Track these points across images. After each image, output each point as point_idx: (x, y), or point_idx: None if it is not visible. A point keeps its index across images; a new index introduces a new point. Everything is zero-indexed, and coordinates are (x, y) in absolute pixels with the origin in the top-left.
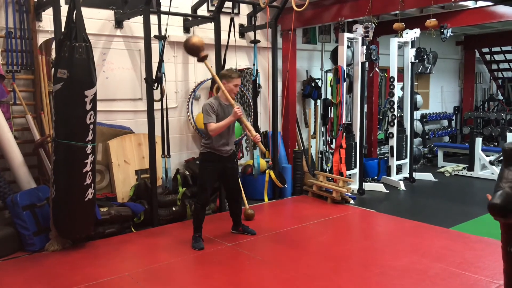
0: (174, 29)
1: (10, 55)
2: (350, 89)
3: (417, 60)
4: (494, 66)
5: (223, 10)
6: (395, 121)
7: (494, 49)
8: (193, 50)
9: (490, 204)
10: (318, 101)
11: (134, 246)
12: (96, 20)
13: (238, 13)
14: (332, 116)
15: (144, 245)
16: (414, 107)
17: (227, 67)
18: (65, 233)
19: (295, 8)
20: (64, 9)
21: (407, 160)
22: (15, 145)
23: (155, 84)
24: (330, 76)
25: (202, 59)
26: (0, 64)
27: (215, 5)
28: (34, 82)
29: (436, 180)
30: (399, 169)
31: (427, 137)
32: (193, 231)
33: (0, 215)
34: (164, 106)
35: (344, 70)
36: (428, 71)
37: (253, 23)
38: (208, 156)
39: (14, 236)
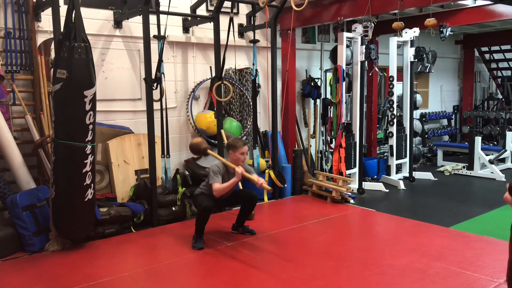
0: (173, 29)
1: (10, 55)
2: (349, 89)
3: (416, 59)
4: (493, 65)
5: (222, 10)
6: (395, 120)
7: (493, 48)
8: (195, 149)
9: (510, 185)
10: (318, 100)
11: (134, 246)
12: (95, 20)
13: (237, 13)
14: (331, 116)
15: (144, 245)
16: (414, 106)
17: (226, 67)
18: (65, 233)
19: (294, 7)
20: (63, 9)
21: (407, 160)
22: (15, 145)
23: (155, 84)
24: (329, 75)
25: (204, 152)
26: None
27: (214, 5)
28: (34, 83)
29: (436, 179)
30: (399, 168)
31: (426, 136)
32: (195, 231)
33: (0, 216)
34: (164, 106)
35: (344, 70)
36: (427, 70)
37: (252, 22)
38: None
39: (14, 236)
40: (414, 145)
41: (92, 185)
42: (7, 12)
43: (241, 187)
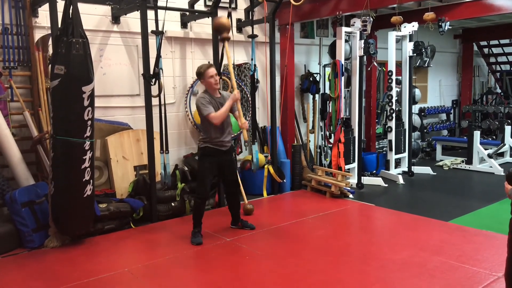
0: (171, 24)
1: (7, 51)
2: (348, 84)
3: (415, 54)
4: (492, 59)
5: (220, 5)
6: (394, 115)
7: (492, 42)
8: (218, 28)
9: (509, 173)
10: (317, 95)
11: (133, 242)
12: (92, 15)
13: (235, 8)
14: (330, 111)
15: (144, 241)
16: (413, 101)
17: (225, 62)
18: (64, 229)
19: (292, 2)
20: (60, 4)
21: (406, 154)
22: (13, 142)
23: (153, 80)
24: (328, 70)
25: (222, 39)
26: None
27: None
28: (31, 79)
29: (435, 173)
30: (398, 163)
31: (425, 131)
32: (193, 226)
33: None
34: (162, 102)
35: (342, 64)
36: (426, 65)
37: (250, 17)
38: (206, 150)
39: (13, 233)
40: (413, 140)
41: (91, 181)
42: (4, 8)
43: (241, 186)
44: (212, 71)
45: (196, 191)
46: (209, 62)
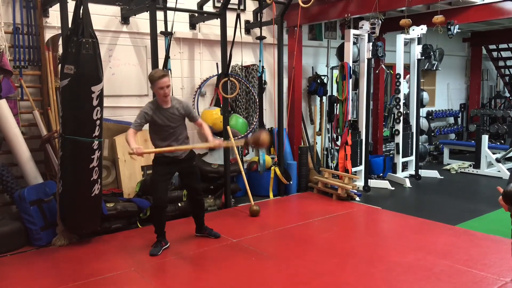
0: (180, 25)
1: (18, 51)
2: (356, 86)
3: (423, 57)
4: (501, 63)
5: (229, 6)
6: (401, 118)
7: (501, 46)
8: (258, 146)
9: (505, 191)
10: (324, 97)
11: (140, 241)
12: (102, 16)
13: (244, 9)
14: (337, 113)
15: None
16: (420, 104)
17: (232, 63)
18: (72, 228)
19: (301, 4)
20: (71, 5)
21: (413, 157)
22: (23, 140)
23: None
24: (336, 72)
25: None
26: (8, 60)
27: (221, 1)
28: (41, 78)
29: (442, 177)
30: (405, 166)
31: (433, 134)
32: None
33: (8, 210)
34: None
35: (350, 67)
36: (434, 68)
37: (259, 19)
38: (159, 159)
39: (21, 230)
40: (420, 143)
41: (99, 180)
42: (15, 8)
43: (247, 187)
44: (164, 82)
45: (152, 199)
46: (164, 69)
